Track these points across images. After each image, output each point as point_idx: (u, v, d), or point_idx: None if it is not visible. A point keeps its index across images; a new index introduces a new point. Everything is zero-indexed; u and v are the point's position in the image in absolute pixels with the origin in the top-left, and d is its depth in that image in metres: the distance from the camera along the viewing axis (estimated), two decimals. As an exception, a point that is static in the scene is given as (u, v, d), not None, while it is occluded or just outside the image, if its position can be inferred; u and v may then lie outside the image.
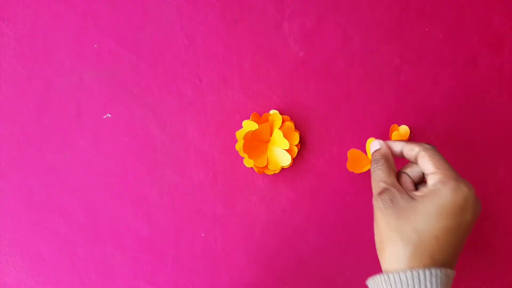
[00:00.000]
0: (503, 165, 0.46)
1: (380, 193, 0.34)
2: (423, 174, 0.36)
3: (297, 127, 0.46)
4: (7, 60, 0.46)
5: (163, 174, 0.47)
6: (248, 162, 0.45)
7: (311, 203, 0.47)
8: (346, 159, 0.46)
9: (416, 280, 0.30)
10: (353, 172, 0.45)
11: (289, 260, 0.47)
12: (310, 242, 0.47)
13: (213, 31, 0.46)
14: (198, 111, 0.46)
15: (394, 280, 0.31)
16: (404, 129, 0.44)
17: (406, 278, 0.30)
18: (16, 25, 0.46)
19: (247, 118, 0.46)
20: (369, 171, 0.41)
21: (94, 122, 0.47)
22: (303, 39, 0.45)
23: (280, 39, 0.45)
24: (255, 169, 0.45)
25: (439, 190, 0.32)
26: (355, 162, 0.44)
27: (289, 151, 0.44)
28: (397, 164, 0.38)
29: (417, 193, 0.34)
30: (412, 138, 0.45)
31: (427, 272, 0.30)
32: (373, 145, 0.39)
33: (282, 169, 0.45)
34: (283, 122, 0.44)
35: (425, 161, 0.34)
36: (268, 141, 0.45)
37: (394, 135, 0.44)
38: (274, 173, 0.45)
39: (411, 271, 0.30)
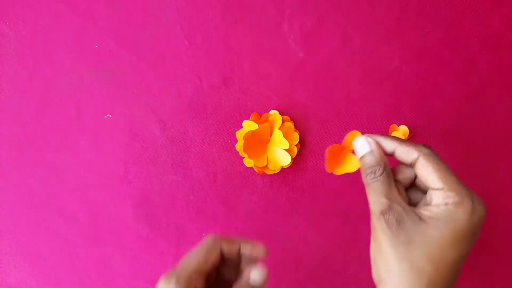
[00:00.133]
0: (503, 165, 0.46)
1: (384, 212, 0.29)
2: (415, 177, 0.32)
3: (297, 127, 0.46)
4: (7, 60, 0.47)
5: (163, 174, 0.47)
6: (248, 162, 0.45)
7: (311, 203, 0.47)
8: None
9: None
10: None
11: (289, 260, 0.47)
12: (310, 242, 0.47)
13: (213, 31, 0.46)
14: (198, 111, 0.46)
15: None
16: (403, 129, 0.44)
17: None
18: (16, 25, 0.46)
19: (247, 118, 0.46)
20: (354, 174, 0.35)
21: (95, 122, 0.47)
22: (303, 39, 0.45)
23: (280, 39, 0.45)
24: (255, 169, 0.45)
25: (455, 213, 0.28)
26: (337, 161, 0.36)
27: (289, 151, 0.44)
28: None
29: (424, 212, 0.29)
30: (411, 138, 0.45)
31: None
32: (361, 145, 0.32)
33: (282, 169, 0.45)
34: (283, 122, 0.44)
35: (428, 173, 0.29)
36: (268, 141, 0.45)
37: (394, 135, 0.44)
38: (274, 173, 0.45)
39: None
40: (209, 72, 0.46)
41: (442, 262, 0.27)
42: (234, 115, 0.46)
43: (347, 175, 0.35)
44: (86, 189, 0.47)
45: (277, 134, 0.44)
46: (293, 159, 0.45)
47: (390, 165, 0.32)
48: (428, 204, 0.29)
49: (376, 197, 0.30)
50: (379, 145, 0.32)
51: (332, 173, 0.35)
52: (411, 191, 0.32)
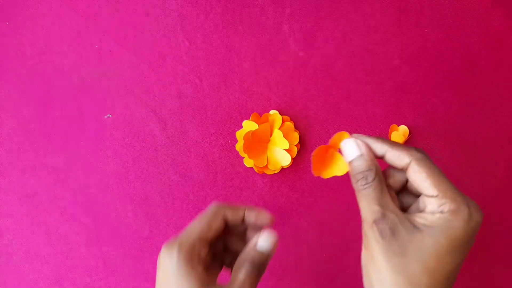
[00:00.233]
0: (503, 165, 0.46)
1: (377, 221, 0.27)
2: (407, 181, 0.30)
3: (297, 127, 0.46)
4: (8, 60, 0.47)
5: (163, 174, 0.47)
6: (248, 162, 0.45)
7: (311, 203, 0.47)
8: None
9: None
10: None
11: (289, 260, 0.47)
12: (310, 242, 0.47)
13: (214, 31, 0.46)
14: (198, 111, 0.46)
15: None
16: (403, 129, 0.44)
17: None
18: (17, 25, 0.46)
19: (247, 118, 0.46)
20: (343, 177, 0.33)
21: (95, 122, 0.47)
22: (303, 39, 0.45)
23: (280, 39, 0.45)
24: (255, 169, 0.45)
25: (451, 221, 0.26)
26: (324, 163, 0.33)
27: (289, 151, 0.44)
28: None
29: (418, 220, 0.27)
30: (411, 138, 0.45)
31: None
32: (350, 148, 0.30)
33: (282, 169, 0.45)
34: (283, 122, 0.44)
35: (421, 179, 0.28)
36: (268, 141, 0.45)
37: (394, 135, 0.44)
38: (274, 173, 0.45)
39: None
40: (209, 72, 0.46)
41: (438, 272, 0.26)
42: (234, 115, 0.46)
43: (347, 174, 0.32)
44: (86, 189, 0.47)
45: (277, 134, 0.44)
46: (293, 159, 0.45)
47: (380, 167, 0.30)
48: (422, 211, 0.28)
49: (368, 204, 0.28)
50: (369, 148, 0.30)
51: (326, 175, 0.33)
52: (402, 195, 0.31)
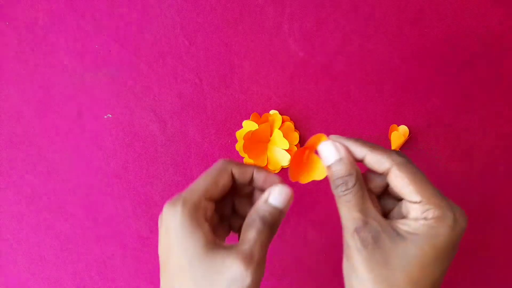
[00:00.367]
0: (503, 164, 0.46)
1: (358, 229, 0.26)
2: (387, 185, 0.29)
3: (297, 127, 0.46)
4: (8, 60, 0.47)
5: (164, 174, 0.47)
6: (248, 162, 0.45)
7: (311, 203, 0.47)
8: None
9: None
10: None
11: (289, 260, 0.47)
12: (310, 242, 0.47)
13: (214, 31, 0.46)
14: (198, 111, 0.46)
15: None
16: (403, 129, 0.44)
17: None
18: (17, 25, 0.46)
19: (247, 118, 0.46)
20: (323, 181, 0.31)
21: (95, 122, 0.47)
22: (303, 39, 0.45)
23: (280, 39, 0.45)
24: (255, 169, 0.45)
25: (435, 229, 0.25)
26: (301, 167, 0.31)
27: (289, 151, 0.44)
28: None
29: (401, 227, 0.26)
30: (411, 138, 0.45)
31: None
32: (329, 151, 0.28)
33: (282, 169, 0.45)
34: (283, 122, 0.45)
35: (403, 185, 0.26)
36: (268, 141, 0.45)
37: (394, 135, 0.44)
38: (274, 173, 0.45)
39: None
40: (209, 72, 0.46)
41: (422, 281, 0.25)
42: (234, 115, 0.46)
43: (325, 178, 0.30)
44: (86, 189, 0.47)
45: (277, 134, 0.44)
46: (293, 159, 0.45)
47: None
48: (404, 217, 0.27)
49: (349, 211, 0.27)
50: (348, 151, 0.28)
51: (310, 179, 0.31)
52: (383, 198, 0.29)
